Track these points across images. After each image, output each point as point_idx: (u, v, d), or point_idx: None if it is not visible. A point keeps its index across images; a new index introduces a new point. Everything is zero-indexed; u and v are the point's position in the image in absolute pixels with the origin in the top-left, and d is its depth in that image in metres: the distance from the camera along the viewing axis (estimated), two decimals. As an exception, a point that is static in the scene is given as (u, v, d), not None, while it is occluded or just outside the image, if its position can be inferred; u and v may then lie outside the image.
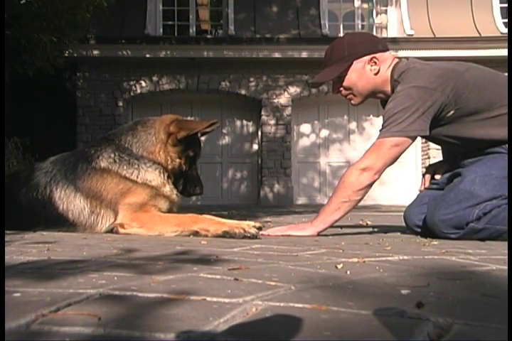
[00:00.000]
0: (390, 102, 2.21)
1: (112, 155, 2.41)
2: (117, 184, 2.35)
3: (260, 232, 2.17)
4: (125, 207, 2.31)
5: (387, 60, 2.32)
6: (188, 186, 2.53)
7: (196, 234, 2.15)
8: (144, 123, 2.52)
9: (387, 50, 2.36)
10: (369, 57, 2.29)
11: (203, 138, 2.68)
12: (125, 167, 2.38)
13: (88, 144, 2.65)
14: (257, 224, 2.19)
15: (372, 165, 2.17)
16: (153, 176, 2.40)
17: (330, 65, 2.34)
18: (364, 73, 2.30)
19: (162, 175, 2.43)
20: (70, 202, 2.36)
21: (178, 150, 2.47)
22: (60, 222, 2.37)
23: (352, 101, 2.43)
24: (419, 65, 2.25)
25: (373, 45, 2.33)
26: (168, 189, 2.44)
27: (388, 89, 2.32)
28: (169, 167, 2.46)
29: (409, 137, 2.16)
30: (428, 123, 2.15)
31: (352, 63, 2.29)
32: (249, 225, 2.15)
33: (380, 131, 2.22)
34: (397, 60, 2.36)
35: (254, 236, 2.04)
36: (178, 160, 2.48)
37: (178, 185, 2.51)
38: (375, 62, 2.29)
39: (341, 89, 2.38)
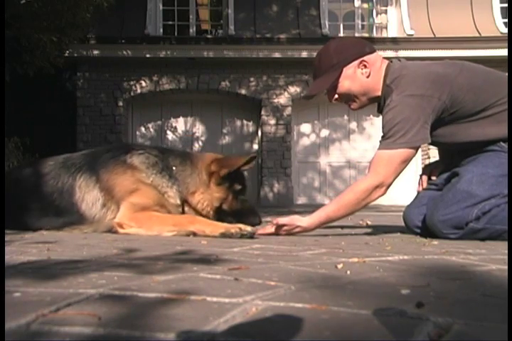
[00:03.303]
0: (387, 112, 2.18)
1: (151, 159, 2.43)
2: (133, 183, 2.36)
3: (258, 232, 2.21)
4: (128, 206, 2.33)
5: (376, 61, 2.29)
6: (246, 219, 2.45)
7: (194, 234, 2.17)
8: (191, 159, 2.53)
9: (375, 51, 2.33)
10: (358, 61, 2.26)
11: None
12: (151, 173, 2.39)
13: (136, 146, 2.69)
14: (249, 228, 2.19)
15: (385, 181, 2.15)
16: (174, 195, 2.41)
17: (321, 76, 2.31)
18: (356, 78, 2.28)
19: (179, 201, 2.43)
20: (88, 191, 2.38)
21: (224, 188, 2.47)
22: (71, 211, 2.38)
23: (352, 106, 2.41)
24: (412, 69, 2.21)
25: (360, 48, 2.30)
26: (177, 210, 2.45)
27: (379, 93, 2.29)
28: (201, 208, 2.45)
29: (415, 148, 2.16)
30: (429, 130, 2.15)
31: (342, 70, 2.27)
32: (244, 225, 2.17)
33: (381, 141, 2.21)
34: (386, 61, 2.33)
35: (251, 235, 2.07)
36: (224, 196, 2.47)
37: (233, 219, 2.45)
38: (365, 66, 2.27)
39: (336, 96, 2.36)
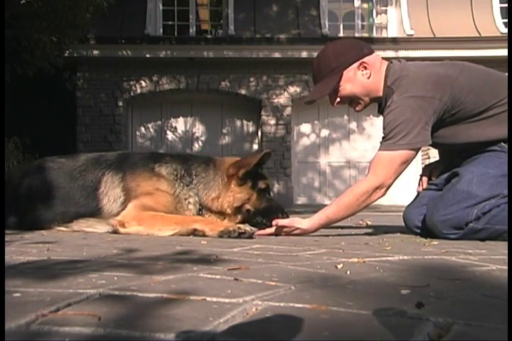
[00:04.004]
0: (388, 113, 2.18)
1: (179, 171, 2.50)
2: (154, 189, 2.43)
3: (257, 232, 2.24)
4: (136, 204, 2.37)
5: (376, 62, 2.29)
6: (274, 216, 2.47)
7: (194, 231, 2.20)
8: (215, 164, 2.58)
9: (373, 52, 2.33)
10: (358, 63, 2.25)
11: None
12: (178, 185, 2.46)
13: (169, 153, 2.80)
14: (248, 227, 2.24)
15: (385, 182, 2.16)
16: (195, 212, 2.49)
17: (321, 80, 2.30)
18: (357, 80, 2.27)
19: (195, 213, 2.49)
20: (113, 188, 2.46)
21: (248, 188, 2.50)
22: (90, 205, 2.46)
23: (356, 108, 2.40)
24: (412, 70, 2.21)
25: (358, 50, 2.29)
26: None
27: (381, 93, 2.29)
28: (216, 206, 2.49)
29: (415, 149, 2.16)
30: (430, 132, 2.15)
31: (342, 73, 2.26)
32: (243, 225, 2.23)
33: (382, 142, 2.20)
34: (385, 62, 2.32)
35: (249, 234, 2.09)
36: (247, 196, 2.50)
37: (261, 218, 2.50)
38: (365, 67, 2.26)
39: (338, 100, 2.35)
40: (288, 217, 2.49)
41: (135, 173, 2.49)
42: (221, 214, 2.50)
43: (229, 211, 2.48)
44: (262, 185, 2.54)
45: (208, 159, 2.65)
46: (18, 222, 2.56)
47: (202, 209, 2.50)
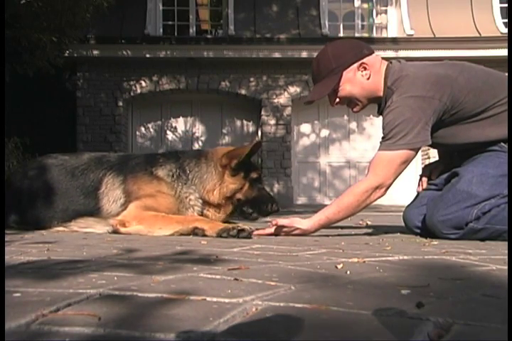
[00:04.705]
0: (388, 113, 2.18)
1: (174, 171, 2.53)
2: (156, 191, 2.46)
3: (256, 232, 2.24)
4: (137, 204, 2.39)
5: (375, 63, 2.28)
6: (264, 206, 2.54)
7: (194, 230, 2.22)
8: (206, 156, 2.61)
9: (373, 52, 2.32)
10: (357, 64, 2.25)
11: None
12: (177, 185, 2.50)
13: (161, 154, 2.84)
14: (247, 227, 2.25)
15: (385, 182, 2.16)
16: (199, 209, 2.51)
17: (320, 81, 2.30)
18: (356, 80, 2.27)
19: (199, 208, 2.52)
20: (113, 189, 2.50)
21: (240, 178, 2.54)
22: (90, 204, 2.49)
23: (354, 109, 2.40)
24: (412, 71, 2.21)
25: (358, 51, 2.28)
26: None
27: (381, 94, 2.29)
28: (213, 199, 2.52)
29: (415, 149, 2.16)
30: (429, 132, 2.15)
31: (342, 74, 2.25)
32: (243, 224, 2.25)
33: (381, 142, 2.20)
34: (385, 62, 2.32)
35: (248, 232, 2.11)
36: (240, 186, 2.54)
37: (252, 207, 2.55)
38: (365, 68, 2.26)
39: (338, 100, 2.34)
40: (278, 206, 2.55)
41: (136, 176, 2.51)
42: (218, 206, 2.53)
43: (222, 201, 2.52)
44: (253, 174, 2.58)
45: (198, 153, 2.69)
46: (18, 221, 2.57)
47: (203, 203, 2.52)
